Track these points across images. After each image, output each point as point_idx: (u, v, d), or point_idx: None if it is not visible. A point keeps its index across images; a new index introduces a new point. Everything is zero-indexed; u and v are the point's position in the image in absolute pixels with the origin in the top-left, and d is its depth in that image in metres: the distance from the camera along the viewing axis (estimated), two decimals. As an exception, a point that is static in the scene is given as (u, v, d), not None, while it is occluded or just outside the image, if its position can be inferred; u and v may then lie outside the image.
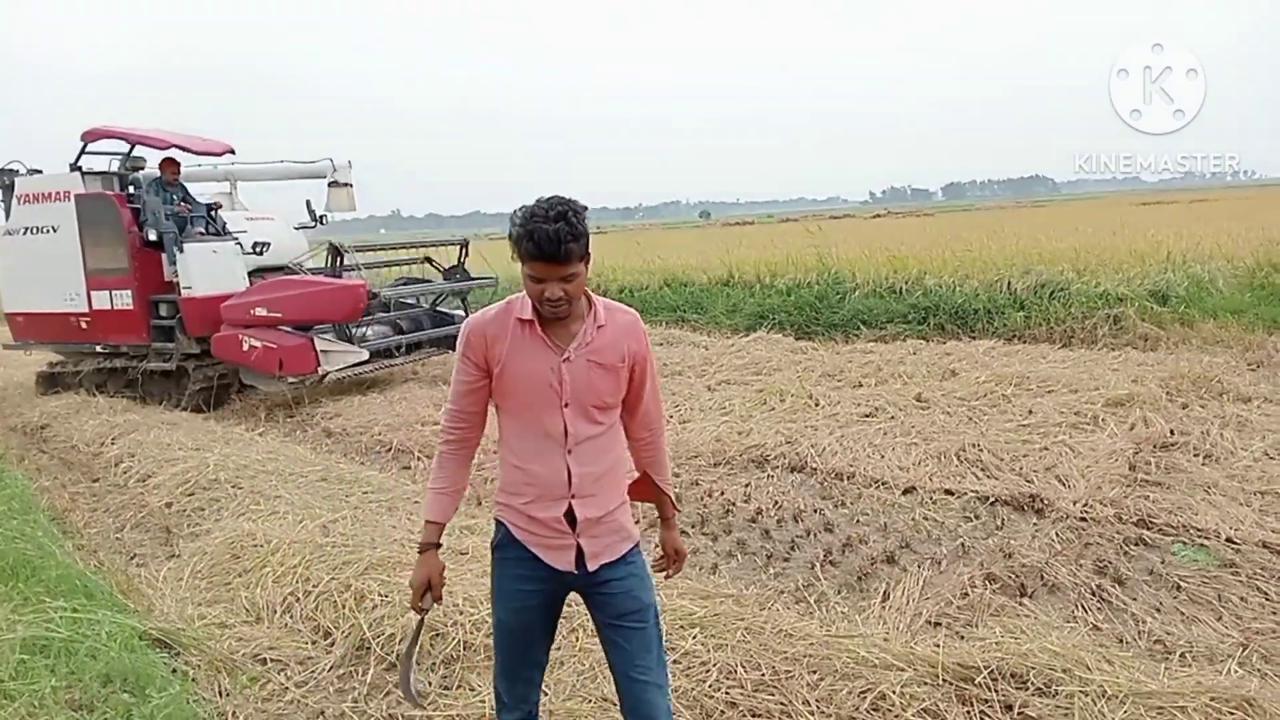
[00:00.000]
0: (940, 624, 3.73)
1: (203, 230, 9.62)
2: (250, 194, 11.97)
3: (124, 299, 9.55)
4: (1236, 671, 3.18)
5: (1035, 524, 4.81)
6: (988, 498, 5.17)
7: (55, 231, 9.79)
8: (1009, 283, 11.61)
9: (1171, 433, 6.14)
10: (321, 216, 11.36)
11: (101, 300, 9.69)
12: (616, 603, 2.42)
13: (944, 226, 23.80)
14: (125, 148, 9.97)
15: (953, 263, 13.10)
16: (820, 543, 4.78)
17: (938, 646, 3.36)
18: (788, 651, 3.35)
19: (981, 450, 5.89)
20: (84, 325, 9.89)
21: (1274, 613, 3.66)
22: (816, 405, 7.61)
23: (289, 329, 8.86)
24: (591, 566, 2.36)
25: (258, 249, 9.93)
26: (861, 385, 8.36)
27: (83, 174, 9.82)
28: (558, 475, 2.31)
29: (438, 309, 11.23)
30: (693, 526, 5.11)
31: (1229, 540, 4.34)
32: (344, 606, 3.87)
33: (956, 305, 11.32)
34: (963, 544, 4.58)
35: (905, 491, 5.39)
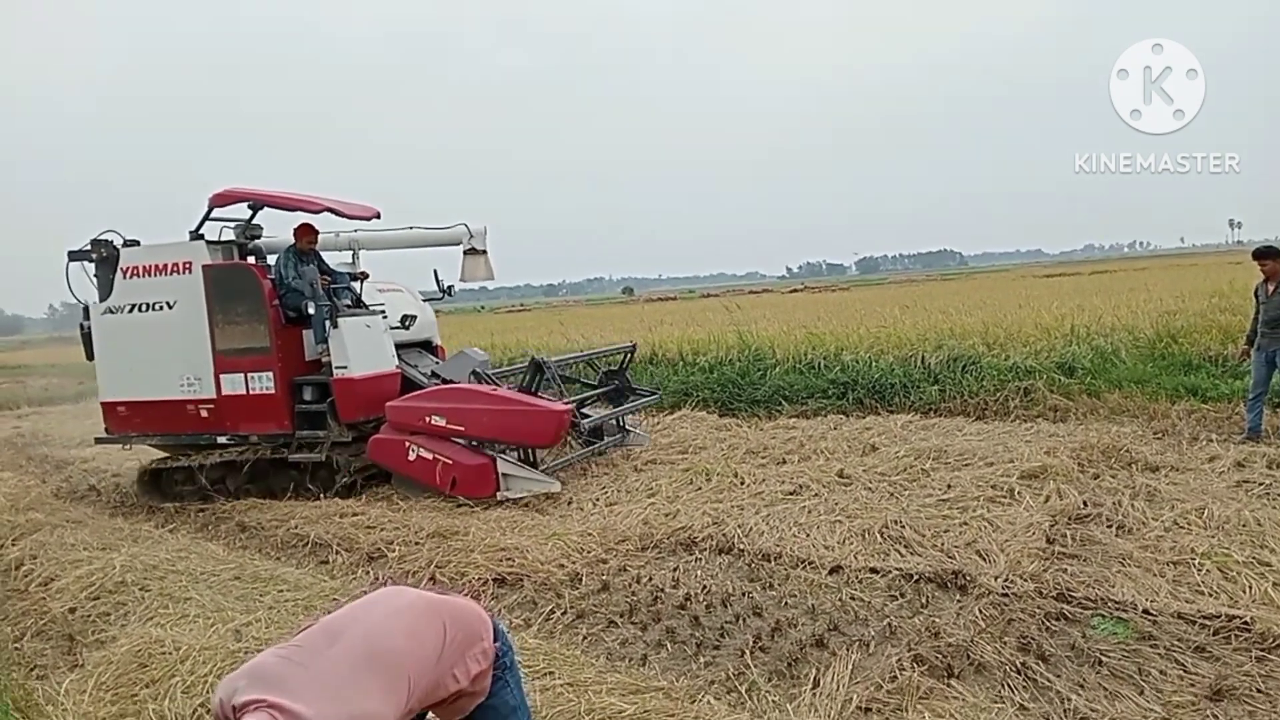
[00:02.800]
0: (870, 709, 3.71)
1: (349, 304, 8.78)
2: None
3: (263, 382, 8.52)
4: (1160, 748, 3.22)
5: (959, 601, 4.85)
6: (912, 575, 5.21)
7: (172, 308, 8.74)
8: (923, 357, 11.91)
9: (1085, 504, 6.29)
10: (450, 287, 10.48)
11: (233, 384, 8.62)
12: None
13: (859, 301, 24.44)
14: (245, 213, 8.97)
15: (868, 339, 13.42)
16: (750, 628, 4.74)
17: (869, 734, 3.35)
18: (720, 747, 3.30)
19: (904, 527, 5.95)
20: (205, 414, 8.77)
21: (1193, 685, 3.72)
22: (742, 484, 7.63)
23: (466, 442, 7.88)
24: None
25: (405, 322, 9.14)
26: (785, 462, 8.42)
27: (207, 243, 8.87)
28: None
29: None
30: (621, 616, 5.04)
31: (1146, 612, 4.43)
32: (258, 717, 3.70)
33: (874, 380, 11.55)
34: (889, 624, 4.59)
35: (831, 571, 5.40)
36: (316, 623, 2.36)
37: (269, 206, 8.87)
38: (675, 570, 5.66)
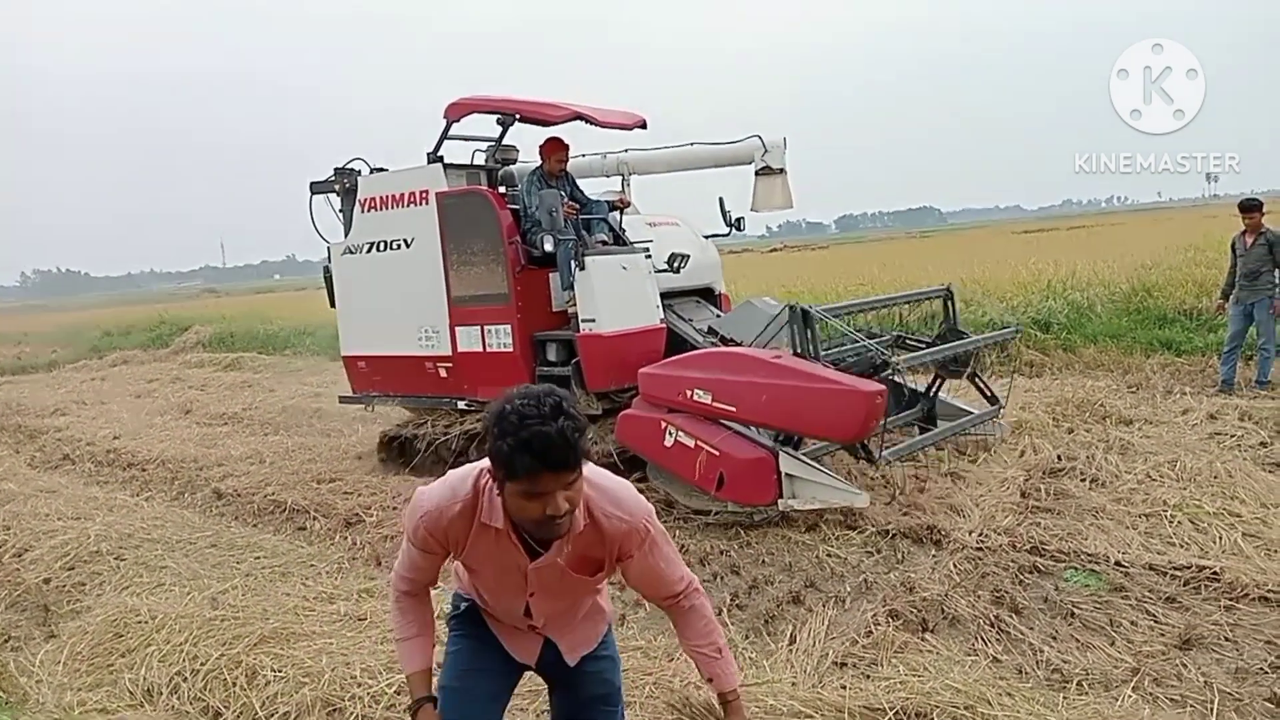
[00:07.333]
0: (846, 664, 3.74)
1: (604, 239, 7.12)
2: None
3: (500, 337, 6.89)
4: (1130, 698, 3.26)
5: (934, 556, 4.89)
6: (888, 531, 5.25)
7: (409, 246, 7.30)
8: (901, 315, 11.89)
9: (1059, 458, 6.33)
10: (738, 220, 8.03)
11: (469, 339, 7.05)
12: (586, 687, 2.30)
13: (838, 260, 24.46)
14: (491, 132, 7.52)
15: (846, 297, 13.39)
16: (727, 586, 4.78)
17: (844, 688, 3.37)
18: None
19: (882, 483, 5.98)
20: (444, 373, 7.31)
21: (1162, 635, 3.77)
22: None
23: (742, 428, 5.70)
24: (571, 661, 2.24)
25: (674, 264, 7.17)
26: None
27: (445, 166, 7.31)
28: (518, 612, 2.16)
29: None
30: (599, 576, 5.05)
31: (1118, 564, 4.47)
32: (234, 684, 3.69)
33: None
34: (865, 580, 4.63)
35: (808, 529, 5.42)
36: None
37: (505, 114, 7.40)
38: (654, 530, 5.66)
